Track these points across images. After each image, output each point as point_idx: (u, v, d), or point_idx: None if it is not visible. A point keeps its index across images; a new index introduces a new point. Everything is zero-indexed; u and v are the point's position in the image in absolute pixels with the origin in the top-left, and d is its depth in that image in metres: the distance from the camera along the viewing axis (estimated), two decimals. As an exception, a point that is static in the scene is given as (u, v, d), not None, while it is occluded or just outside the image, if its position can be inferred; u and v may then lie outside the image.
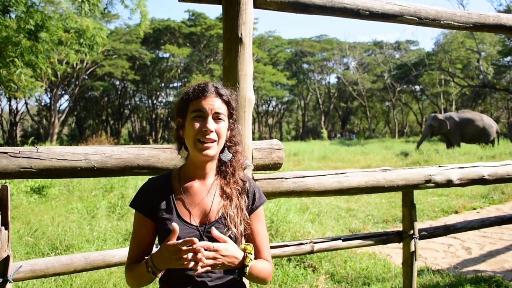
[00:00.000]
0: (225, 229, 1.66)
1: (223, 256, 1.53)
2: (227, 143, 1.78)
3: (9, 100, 41.18)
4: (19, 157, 2.11)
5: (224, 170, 1.79)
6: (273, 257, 3.04)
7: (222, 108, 1.71)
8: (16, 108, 43.56)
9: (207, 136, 1.64)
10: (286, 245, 3.02)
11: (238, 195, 1.76)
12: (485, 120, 22.26)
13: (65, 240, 5.33)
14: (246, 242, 1.79)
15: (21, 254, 4.92)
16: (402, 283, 3.57)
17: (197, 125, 1.65)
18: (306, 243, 3.10)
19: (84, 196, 8.44)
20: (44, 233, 5.66)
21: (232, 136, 1.80)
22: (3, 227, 2.08)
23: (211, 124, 1.65)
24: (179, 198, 1.72)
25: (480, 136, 21.85)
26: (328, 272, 4.71)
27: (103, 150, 2.31)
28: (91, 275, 4.27)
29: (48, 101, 43.42)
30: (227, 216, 1.69)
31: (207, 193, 1.74)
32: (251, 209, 1.78)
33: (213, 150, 1.67)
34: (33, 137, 14.94)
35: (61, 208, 7.35)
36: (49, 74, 11.75)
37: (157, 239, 1.78)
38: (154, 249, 1.73)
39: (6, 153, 2.10)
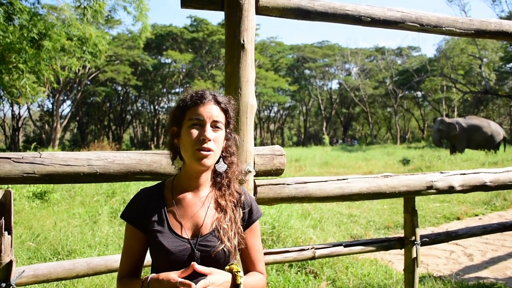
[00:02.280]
0: (219, 242, 1.62)
1: (217, 286, 1.51)
2: (223, 153, 1.73)
3: (12, 105, 41.30)
4: (22, 162, 2.12)
5: (219, 181, 1.73)
6: (274, 263, 3.05)
7: (220, 116, 1.66)
8: (19, 113, 43.70)
9: (205, 145, 1.59)
10: (288, 251, 3.02)
11: (233, 207, 1.71)
12: (493, 127, 22.11)
13: (67, 245, 5.33)
14: (240, 255, 1.77)
15: (23, 259, 4.93)
16: (404, 289, 3.56)
17: (194, 133, 1.60)
18: (308, 249, 3.09)
19: (86, 202, 8.45)
20: (46, 238, 5.67)
21: (228, 146, 1.75)
22: (6, 232, 2.09)
23: (209, 132, 1.61)
24: (171, 210, 1.66)
25: (487, 143, 21.69)
26: (329, 278, 4.70)
27: (106, 155, 2.32)
28: (93, 280, 4.27)
29: (50, 106, 43.52)
30: (221, 229, 1.64)
31: (201, 205, 1.68)
32: (247, 224, 1.75)
33: (211, 159, 1.62)
34: (35, 143, 14.94)
35: (63, 213, 7.36)
36: (52, 82, 11.80)
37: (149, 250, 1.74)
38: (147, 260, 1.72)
39: (9, 158, 2.11)
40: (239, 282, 1.57)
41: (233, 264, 1.63)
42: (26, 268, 2.29)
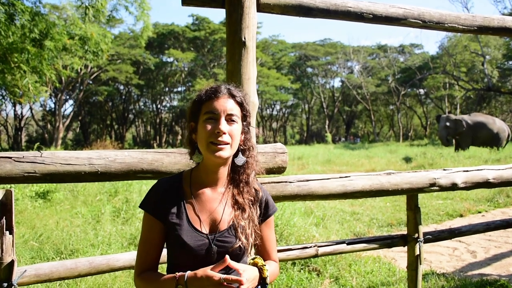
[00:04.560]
0: (236, 240, 1.63)
1: (250, 281, 1.54)
2: (241, 147, 1.72)
3: (14, 105, 41.38)
4: (23, 162, 2.12)
5: (237, 178, 1.73)
6: (277, 261, 3.04)
7: (235, 110, 1.66)
8: (21, 113, 43.77)
9: (220, 138, 1.59)
10: (291, 249, 3.01)
11: (251, 205, 1.72)
12: (498, 124, 21.91)
13: (70, 245, 5.34)
14: (256, 246, 1.79)
15: (26, 258, 4.93)
16: (407, 287, 3.55)
17: (209, 127, 1.61)
18: (311, 246, 3.09)
19: (88, 201, 8.45)
20: (48, 237, 5.68)
21: (246, 140, 1.75)
22: (7, 232, 2.08)
23: (223, 125, 1.60)
24: (190, 203, 1.67)
25: (493, 140, 21.48)
26: (332, 276, 4.69)
27: (107, 154, 2.31)
28: (95, 280, 4.27)
29: (52, 106, 43.60)
30: (238, 226, 1.65)
31: (219, 201, 1.69)
32: (263, 219, 1.76)
33: (227, 151, 1.62)
34: (38, 143, 14.98)
35: (65, 213, 7.37)
36: (55, 81, 11.82)
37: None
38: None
39: (10, 158, 2.10)
40: (265, 276, 1.62)
41: (256, 258, 1.66)
42: (27, 267, 2.29)
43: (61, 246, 5.33)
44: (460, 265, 5.37)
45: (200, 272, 1.49)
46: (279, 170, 2.66)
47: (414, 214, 3.41)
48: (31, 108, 42.72)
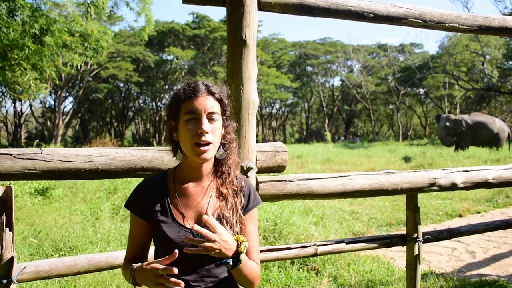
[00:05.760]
0: None
1: (223, 241, 1.52)
2: (222, 141, 1.73)
3: (14, 102, 41.35)
4: (23, 158, 2.12)
5: (220, 169, 1.74)
6: (276, 259, 3.04)
7: (215, 107, 1.66)
8: (21, 110, 43.73)
9: (203, 138, 1.59)
10: (290, 248, 3.01)
11: (234, 195, 1.72)
12: (498, 124, 21.88)
13: (69, 242, 5.33)
14: None
15: (25, 255, 4.93)
16: (406, 286, 3.56)
17: (191, 127, 1.61)
18: (310, 245, 3.09)
19: (87, 198, 8.45)
20: (48, 234, 5.67)
21: (227, 134, 1.75)
22: (7, 228, 2.08)
23: (206, 125, 1.61)
24: (174, 200, 1.69)
25: (493, 140, 21.45)
26: (331, 275, 4.70)
27: (107, 152, 2.31)
28: (94, 277, 4.27)
29: (52, 103, 43.62)
30: (223, 217, 1.66)
31: (203, 195, 1.70)
32: (246, 210, 1.75)
33: (210, 152, 1.63)
34: (38, 140, 14.97)
35: (65, 210, 7.36)
36: (55, 78, 11.81)
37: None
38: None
39: (10, 154, 2.10)
40: (241, 250, 1.58)
41: (240, 235, 1.63)
42: (27, 264, 2.29)
43: (60, 243, 5.33)
44: (459, 265, 5.38)
45: (145, 264, 1.52)
46: (279, 168, 2.66)
47: (413, 213, 3.41)
48: (30, 105, 42.74)
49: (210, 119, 1.64)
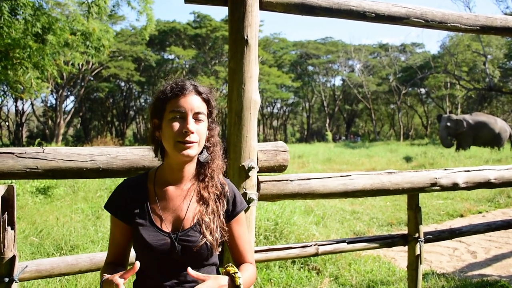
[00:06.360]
0: (200, 236, 1.59)
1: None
2: (206, 144, 1.69)
3: (15, 101, 41.36)
4: (25, 157, 2.12)
5: (203, 172, 1.70)
6: (277, 259, 3.04)
7: (202, 107, 1.62)
8: (22, 109, 43.74)
9: (188, 138, 1.55)
10: (291, 248, 3.01)
11: (216, 199, 1.68)
12: (500, 124, 21.81)
13: (70, 241, 5.34)
14: (228, 246, 1.75)
15: (26, 254, 4.94)
16: (407, 286, 3.56)
17: (176, 126, 1.56)
18: (311, 245, 3.09)
19: (89, 197, 8.47)
20: (49, 233, 5.68)
21: (211, 136, 1.71)
22: (9, 227, 2.08)
23: (191, 125, 1.57)
24: (153, 202, 1.64)
25: (494, 140, 21.37)
26: (332, 274, 4.70)
27: (109, 151, 2.32)
28: (96, 276, 4.28)
29: (53, 102, 43.56)
30: (203, 222, 1.61)
31: (183, 198, 1.66)
32: (232, 215, 1.71)
33: (194, 150, 1.59)
34: (39, 139, 14.98)
35: (66, 209, 7.37)
36: (56, 77, 11.81)
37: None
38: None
39: (12, 153, 2.11)
40: (238, 283, 1.53)
41: (229, 266, 1.59)
42: (29, 263, 2.29)
43: (61, 242, 5.33)
44: (460, 266, 5.38)
45: (111, 276, 1.45)
46: (280, 168, 2.66)
47: (414, 213, 3.41)
48: (32, 104, 42.77)
49: (196, 119, 1.60)
